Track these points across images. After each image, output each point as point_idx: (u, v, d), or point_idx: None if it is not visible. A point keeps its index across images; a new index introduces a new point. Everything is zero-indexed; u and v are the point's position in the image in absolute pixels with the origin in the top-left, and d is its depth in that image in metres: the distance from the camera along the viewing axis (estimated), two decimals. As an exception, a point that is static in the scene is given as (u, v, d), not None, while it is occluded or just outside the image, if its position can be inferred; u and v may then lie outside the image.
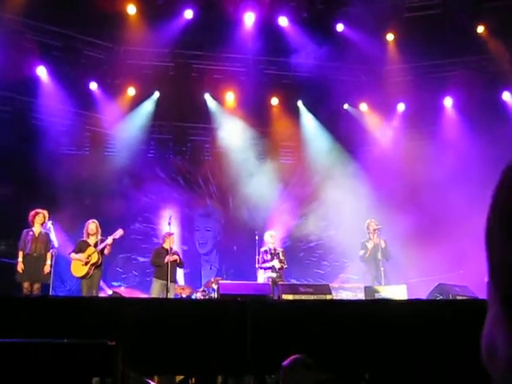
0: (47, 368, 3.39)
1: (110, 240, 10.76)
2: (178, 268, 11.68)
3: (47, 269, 10.52)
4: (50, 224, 10.76)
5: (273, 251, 11.68)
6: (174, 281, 11.36)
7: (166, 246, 11.36)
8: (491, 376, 0.76)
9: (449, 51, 13.56)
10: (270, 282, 10.90)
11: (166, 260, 11.01)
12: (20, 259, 10.46)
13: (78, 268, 10.70)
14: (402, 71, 14.23)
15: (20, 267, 10.39)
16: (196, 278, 14.15)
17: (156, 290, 11.17)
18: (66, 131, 14.02)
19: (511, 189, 0.74)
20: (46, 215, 10.81)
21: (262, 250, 11.78)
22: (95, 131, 14.39)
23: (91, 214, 11.74)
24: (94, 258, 10.70)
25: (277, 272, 11.41)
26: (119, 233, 10.86)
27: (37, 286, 10.37)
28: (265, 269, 11.53)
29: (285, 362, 4.77)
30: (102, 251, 10.78)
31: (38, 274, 10.43)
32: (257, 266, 11.61)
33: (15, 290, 10.23)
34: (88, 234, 10.95)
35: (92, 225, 11.01)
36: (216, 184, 15.22)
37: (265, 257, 11.63)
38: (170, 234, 11.49)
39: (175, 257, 11.27)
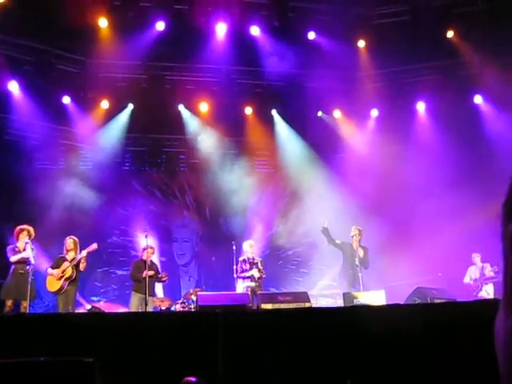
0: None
1: (83, 253, 10.69)
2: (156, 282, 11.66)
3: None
4: (28, 239, 10.57)
5: (251, 260, 11.68)
6: (153, 294, 11.32)
7: (145, 258, 11.33)
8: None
9: (420, 56, 13.68)
10: (249, 292, 10.90)
11: (143, 275, 10.97)
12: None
13: (53, 283, 10.62)
14: (374, 77, 14.34)
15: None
16: (175, 290, 14.10)
17: (135, 304, 11.12)
18: (39, 146, 13.87)
19: None
20: (32, 231, 10.67)
21: (241, 259, 11.77)
22: (70, 145, 14.29)
23: (68, 228, 11.67)
24: (68, 273, 10.62)
25: (256, 281, 11.40)
26: (93, 247, 10.78)
27: (24, 304, 10.14)
28: (243, 278, 11.51)
29: None
30: (76, 266, 10.70)
31: (25, 291, 10.03)
32: (235, 275, 11.60)
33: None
34: (66, 250, 10.88)
35: (69, 240, 10.94)
36: (192, 195, 15.21)
37: (243, 266, 11.62)
38: (149, 247, 11.45)
39: (151, 272, 11.21)
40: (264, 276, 11.63)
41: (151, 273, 11.18)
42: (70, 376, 3.53)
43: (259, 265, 11.63)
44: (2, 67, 12.62)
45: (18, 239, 10.61)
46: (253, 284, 11.35)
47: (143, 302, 10.62)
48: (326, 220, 11.52)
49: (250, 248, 11.90)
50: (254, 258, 11.74)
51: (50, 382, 3.43)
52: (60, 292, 10.56)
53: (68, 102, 13.81)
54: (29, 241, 10.46)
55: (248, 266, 11.57)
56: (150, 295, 10.79)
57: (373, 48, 13.86)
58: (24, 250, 10.44)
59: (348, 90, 14.21)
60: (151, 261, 11.40)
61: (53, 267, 10.74)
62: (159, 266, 12.06)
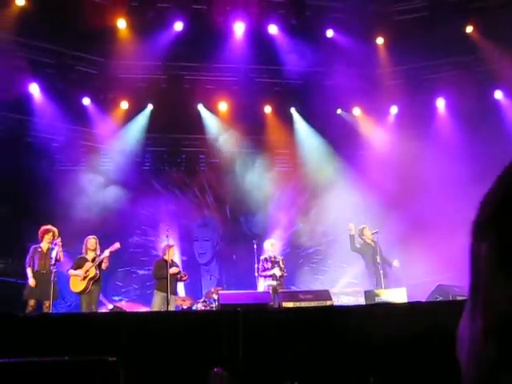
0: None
1: (106, 253, 10.76)
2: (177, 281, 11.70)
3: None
4: (59, 241, 10.67)
5: (273, 259, 11.69)
6: (175, 293, 11.34)
7: (167, 257, 11.36)
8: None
9: (439, 52, 13.58)
10: (271, 290, 10.91)
11: (170, 271, 10.99)
12: (30, 275, 10.42)
13: (76, 283, 10.69)
14: (393, 74, 14.26)
15: (32, 283, 10.35)
16: (196, 289, 14.13)
17: (157, 303, 11.14)
18: (60, 147, 14.02)
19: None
20: (56, 233, 10.80)
21: (262, 258, 11.79)
22: (90, 146, 14.39)
23: (89, 228, 11.75)
24: (92, 273, 10.69)
25: (277, 280, 11.41)
26: (115, 246, 10.85)
27: (47, 304, 10.24)
28: (265, 277, 11.53)
29: None
30: (99, 265, 10.78)
31: (48, 291, 10.22)
32: (256, 274, 11.62)
33: (15, 308, 10.20)
34: (87, 250, 10.95)
35: (92, 240, 11.02)
36: (213, 194, 15.25)
37: (265, 265, 11.63)
38: (170, 246, 11.48)
39: (176, 269, 11.25)
40: (285, 274, 11.65)
41: (176, 270, 11.21)
42: (94, 375, 3.57)
43: (281, 263, 11.64)
44: (23, 70, 12.74)
45: (42, 240, 10.72)
46: (274, 283, 11.36)
47: (165, 300, 10.68)
48: (352, 226, 11.55)
49: (272, 247, 11.92)
50: (275, 257, 11.75)
51: (74, 380, 3.47)
52: (84, 292, 10.65)
53: (88, 103, 13.91)
54: (58, 241, 10.58)
55: (270, 264, 11.58)
56: (172, 293, 10.82)
57: (391, 45, 13.79)
58: (48, 250, 10.58)
59: (367, 87, 14.15)
60: (172, 260, 11.44)
61: (74, 268, 10.82)
62: (180, 266, 12.09)
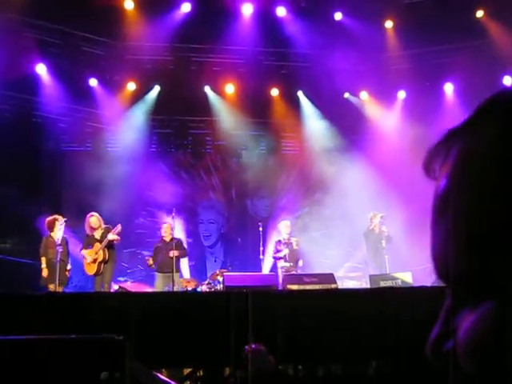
0: (57, 363, 3.42)
1: (110, 237, 10.81)
2: (181, 259, 11.74)
3: (68, 273, 10.79)
4: (62, 222, 10.78)
5: (286, 241, 11.72)
6: (178, 271, 11.44)
7: (166, 236, 11.43)
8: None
9: (448, 37, 13.47)
10: (284, 272, 11.00)
11: (170, 255, 11.09)
12: (44, 265, 10.63)
13: (89, 267, 10.88)
14: (401, 58, 14.18)
15: (45, 273, 10.55)
16: (201, 271, 14.19)
17: (159, 284, 11.25)
18: (67, 128, 14.04)
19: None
20: (63, 220, 10.87)
21: (276, 240, 11.85)
22: (96, 127, 14.38)
23: (94, 209, 11.76)
24: (101, 256, 10.79)
25: (289, 261, 11.44)
26: (118, 228, 10.91)
27: (60, 289, 10.44)
28: (278, 259, 11.59)
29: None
30: (108, 248, 10.85)
31: (62, 277, 10.50)
32: (261, 256, 11.73)
33: (22, 287, 10.28)
34: (91, 228, 11.01)
35: (93, 218, 11.07)
36: (218, 176, 15.25)
37: (278, 247, 11.69)
38: (164, 223, 11.67)
39: (176, 253, 11.29)
40: (298, 256, 11.69)
41: (176, 253, 11.27)
42: (101, 353, 3.59)
43: (294, 245, 11.65)
44: (31, 50, 12.72)
45: (52, 229, 10.79)
46: (287, 264, 11.40)
47: (167, 280, 10.80)
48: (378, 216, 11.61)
49: (286, 228, 11.96)
50: (289, 239, 11.78)
51: (82, 358, 3.49)
52: (98, 274, 10.79)
53: (95, 84, 13.87)
54: (63, 223, 10.68)
55: (283, 246, 11.62)
56: (176, 272, 10.95)
57: (400, 29, 13.71)
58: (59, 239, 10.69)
59: (375, 71, 14.08)
60: (172, 237, 11.56)
61: (84, 247, 10.94)
62: (185, 243, 12.19)
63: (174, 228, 11.82)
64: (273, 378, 5.13)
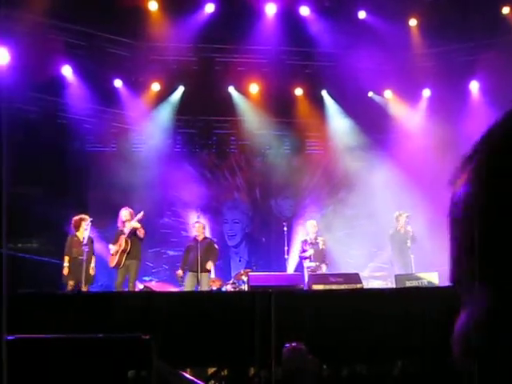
0: (85, 362, 3.46)
1: (133, 224, 10.85)
2: (210, 259, 11.70)
3: (92, 271, 10.77)
4: (89, 222, 10.89)
5: (312, 241, 11.71)
6: (205, 270, 11.43)
7: (198, 235, 11.47)
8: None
9: (473, 34, 13.36)
10: (310, 272, 11.00)
11: (208, 267, 11.30)
12: (66, 264, 10.71)
13: (111, 258, 10.93)
14: (426, 56, 14.09)
15: (65, 271, 10.65)
16: (226, 271, 14.21)
17: (189, 283, 11.27)
18: (92, 129, 14.15)
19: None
20: (88, 219, 10.98)
21: (302, 239, 11.85)
22: (121, 128, 14.48)
23: (119, 210, 11.85)
24: (123, 245, 10.79)
25: (314, 261, 11.43)
26: (139, 215, 10.94)
27: (84, 288, 10.54)
28: (304, 258, 11.60)
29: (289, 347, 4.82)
30: (131, 237, 10.86)
31: (86, 276, 10.60)
32: (286, 256, 11.77)
33: (50, 287, 10.41)
34: (122, 222, 11.08)
35: (123, 212, 11.15)
36: (243, 176, 15.27)
37: (304, 247, 11.69)
38: (196, 223, 11.69)
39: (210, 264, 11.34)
40: (325, 256, 11.70)
41: (211, 266, 11.38)
42: (128, 352, 3.62)
43: (320, 245, 11.64)
44: (57, 52, 12.85)
45: (78, 229, 10.89)
46: (313, 264, 11.39)
47: (195, 279, 10.84)
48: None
49: (313, 228, 11.96)
50: (316, 238, 11.77)
51: (109, 357, 3.52)
52: (119, 267, 10.78)
53: (119, 85, 13.97)
54: (89, 223, 10.78)
55: (308, 246, 11.61)
56: (201, 271, 10.96)
57: (425, 26, 13.62)
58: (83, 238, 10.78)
59: (399, 69, 14.01)
60: (205, 237, 11.61)
61: (113, 242, 11.03)
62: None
63: (205, 227, 11.91)
64: (311, 377, 5.13)
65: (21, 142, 12.21)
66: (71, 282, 10.54)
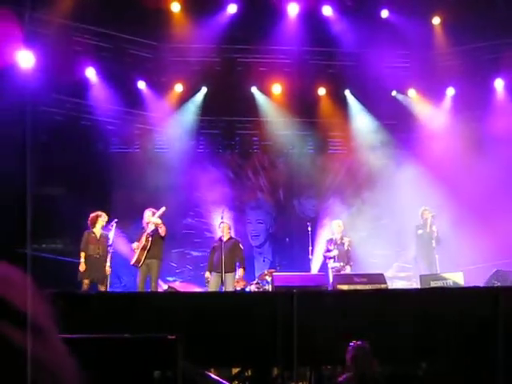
0: (111, 362, 3.48)
1: (154, 219, 10.84)
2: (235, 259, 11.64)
3: (108, 270, 10.79)
4: (113, 223, 10.95)
5: (338, 241, 11.68)
6: (233, 271, 11.39)
7: (224, 235, 11.50)
8: None
9: (497, 32, 13.25)
10: (335, 272, 10.98)
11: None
12: (82, 260, 10.71)
13: (132, 256, 10.93)
14: (449, 55, 13.99)
15: (82, 267, 10.65)
16: (249, 271, 14.16)
17: (213, 283, 11.25)
18: (116, 130, 14.23)
19: None
20: (106, 217, 11.03)
21: (328, 238, 11.83)
22: (144, 129, 14.56)
23: (143, 210, 11.92)
24: (143, 242, 10.80)
25: (339, 261, 11.40)
26: (161, 211, 10.91)
27: (102, 288, 10.62)
28: (328, 258, 11.57)
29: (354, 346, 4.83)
30: (152, 235, 10.86)
31: (99, 274, 10.70)
32: (310, 256, 11.79)
33: (73, 287, 10.48)
34: (147, 223, 11.10)
35: (146, 213, 11.14)
36: (266, 176, 15.26)
37: (329, 246, 11.67)
38: (221, 223, 11.68)
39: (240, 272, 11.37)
40: (350, 255, 11.66)
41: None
42: (154, 352, 3.64)
43: (346, 245, 11.59)
44: (80, 55, 12.98)
45: (93, 225, 10.93)
46: (337, 264, 11.36)
47: (219, 279, 10.83)
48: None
49: (338, 228, 11.93)
50: (342, 238, 11.73)
51: (135, 357, 3.54)
52: (138, 265, 10.76)
53: (143, 86, 14.05)
54: (113, 223, 10.83)
55: (333, 246, 11.58)
56: (225, 272, 10.92)
57: (448, 25, 13.53)
58: (101, 235, 10.84)
59: (423, 68, 13.94)
60: (230, 237, 11.59)
61: (136, 240, 11.05)
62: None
63: (231, 228, 11.90)
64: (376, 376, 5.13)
65: (45, 144, 12.36)
66: (86, 281, 10.57)
